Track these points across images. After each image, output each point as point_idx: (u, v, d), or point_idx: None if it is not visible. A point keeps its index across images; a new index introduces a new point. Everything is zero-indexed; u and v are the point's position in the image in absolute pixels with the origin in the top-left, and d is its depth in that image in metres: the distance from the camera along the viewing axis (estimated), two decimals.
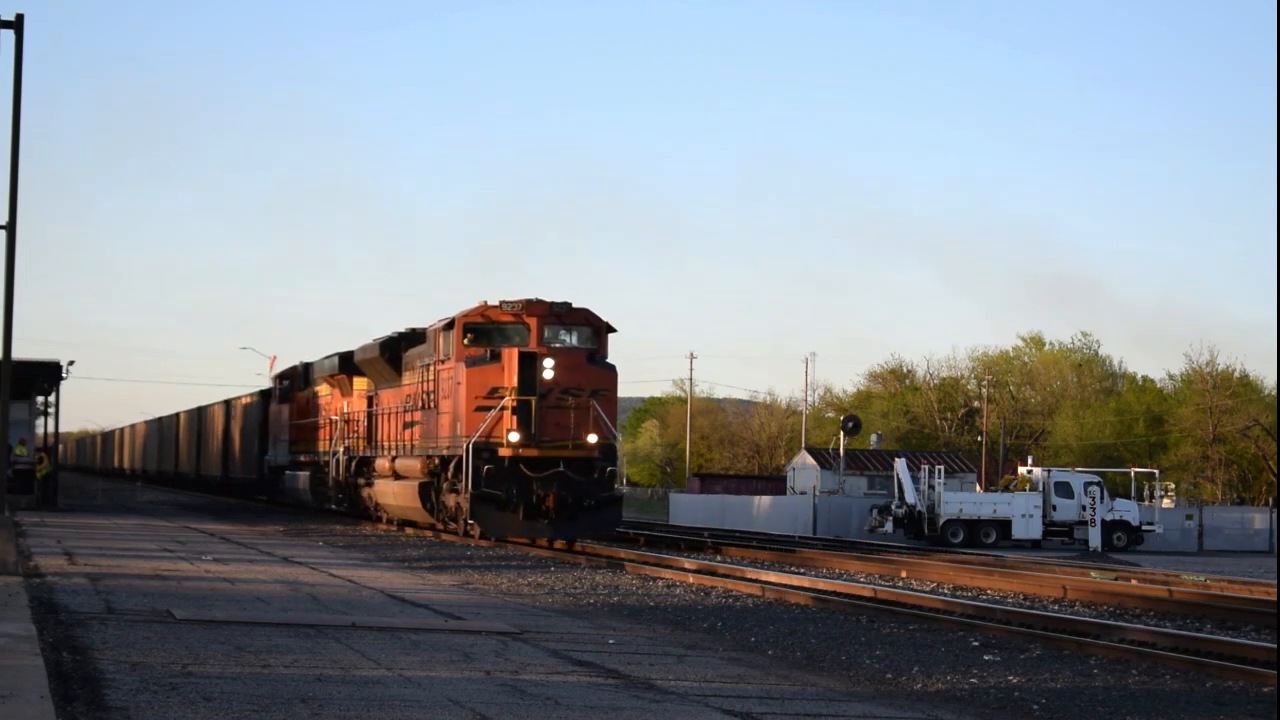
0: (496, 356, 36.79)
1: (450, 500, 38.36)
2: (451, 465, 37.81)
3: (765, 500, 67.49)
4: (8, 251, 28.57)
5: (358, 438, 47.93)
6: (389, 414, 44.34)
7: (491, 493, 36.10)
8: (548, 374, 36.26)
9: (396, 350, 43.74)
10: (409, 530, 43.17)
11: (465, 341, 37.61)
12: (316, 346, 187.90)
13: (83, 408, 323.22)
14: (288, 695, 12.60)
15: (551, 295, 38.84)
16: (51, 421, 58.52)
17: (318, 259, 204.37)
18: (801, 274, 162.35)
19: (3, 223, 28.85)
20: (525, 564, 31.36)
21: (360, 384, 48.19)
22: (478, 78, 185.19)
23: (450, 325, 38.22)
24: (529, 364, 36.35)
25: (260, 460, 64.74)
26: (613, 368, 37.74)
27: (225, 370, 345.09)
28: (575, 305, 38.07)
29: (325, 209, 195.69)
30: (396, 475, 42.95)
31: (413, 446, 41.34)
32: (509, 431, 36.13)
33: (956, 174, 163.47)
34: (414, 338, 42.76)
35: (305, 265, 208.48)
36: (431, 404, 39.55)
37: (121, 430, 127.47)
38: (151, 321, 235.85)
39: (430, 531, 41.20)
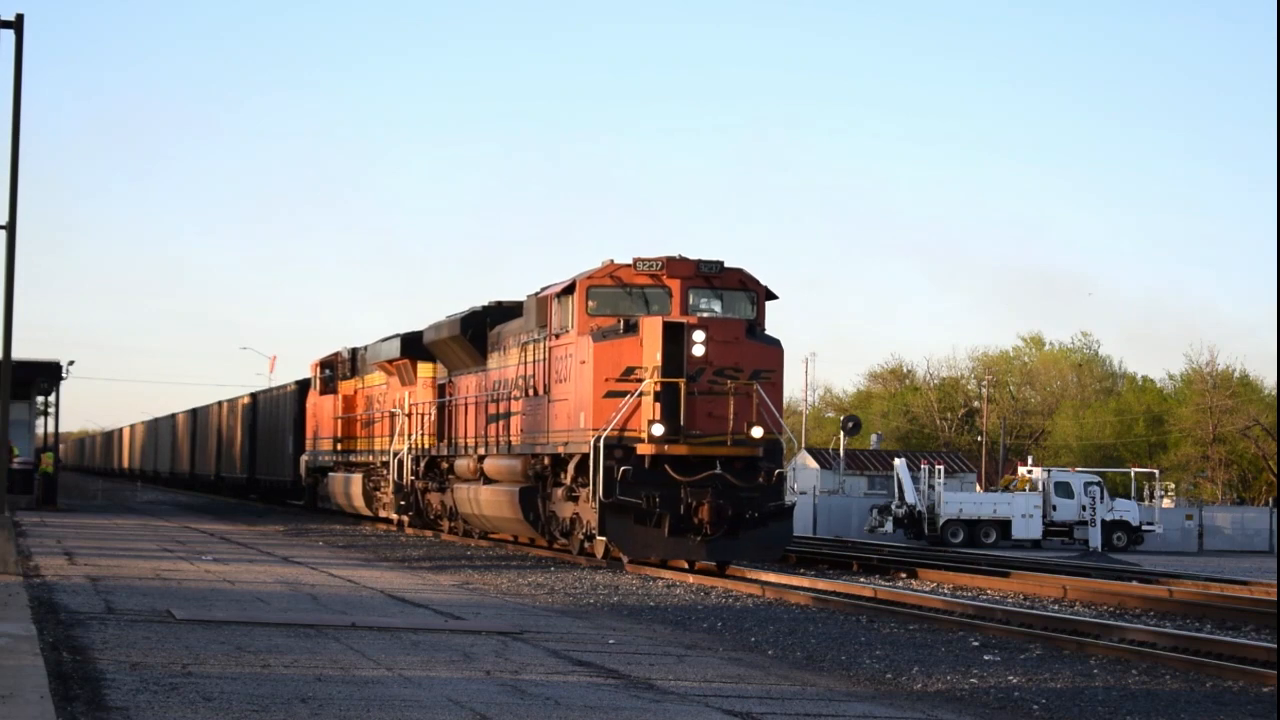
0: (632, 328, 29.44)
1: (565, 510, 31.50)
2: (570, 466, 30.80)
3: None
4: (8, 251, 28.61)
5: (424, 434, 41.58)
6: (470, 404, 37.40)
7: (628, 501, 28.86)
8: (698, 350, 28.94)
9: (480, 327, 36.67)
10: (474, 539, 38.91)
11: (589, 310, 30.44)
12: (317, 346, 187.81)
13: (83, 408, 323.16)
14: (288, 695, 12.61)
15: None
16: (51, 421, 58.65)
17: (317, 259, 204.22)
18: (798, 273, 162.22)
19: (3, 223, 28.89)
20: (525, 564, 31.35)
21: (427, 370, 41.82)
22: (468, 79, 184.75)
23: (569, 290, 30.89)
24: (675, 337, 29.00)
25: (296, 461, 57.91)
26: (777, 343, 30.23)
27: (225, 370, 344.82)
28: (728, 264, 30.68)
29: (322, 209, 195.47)
30: (485, 479, 36.02)
31: (509, 443, 34.21)
32: (651, 423, 28.87)
33: (943, 172, 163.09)
34: (502, 312, 36.36)
35: (305, 265, 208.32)
36: (538, 390, 32.27)
37: (122, 430, 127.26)
38: (151, 321, 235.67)
39: (531, 547, 35.58)
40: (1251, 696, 15.30)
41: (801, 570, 32.96)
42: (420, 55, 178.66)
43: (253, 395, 70.10)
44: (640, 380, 29.13)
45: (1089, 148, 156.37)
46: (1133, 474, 65.25)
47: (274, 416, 63.80)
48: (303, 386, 57.65)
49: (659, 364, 28.98)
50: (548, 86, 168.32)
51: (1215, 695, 15.31)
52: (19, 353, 36.04)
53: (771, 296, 30.92)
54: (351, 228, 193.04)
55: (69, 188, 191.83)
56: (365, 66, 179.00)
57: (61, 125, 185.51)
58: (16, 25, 29.07)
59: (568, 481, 31.04)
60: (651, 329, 29.15)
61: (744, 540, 29.35)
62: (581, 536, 30.97)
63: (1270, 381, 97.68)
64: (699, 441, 29.13)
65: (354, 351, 50.64)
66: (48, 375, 54.23)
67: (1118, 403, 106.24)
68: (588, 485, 29.73)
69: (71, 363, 54.45)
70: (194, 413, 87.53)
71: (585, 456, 29.68)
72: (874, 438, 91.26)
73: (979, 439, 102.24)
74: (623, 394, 29.10)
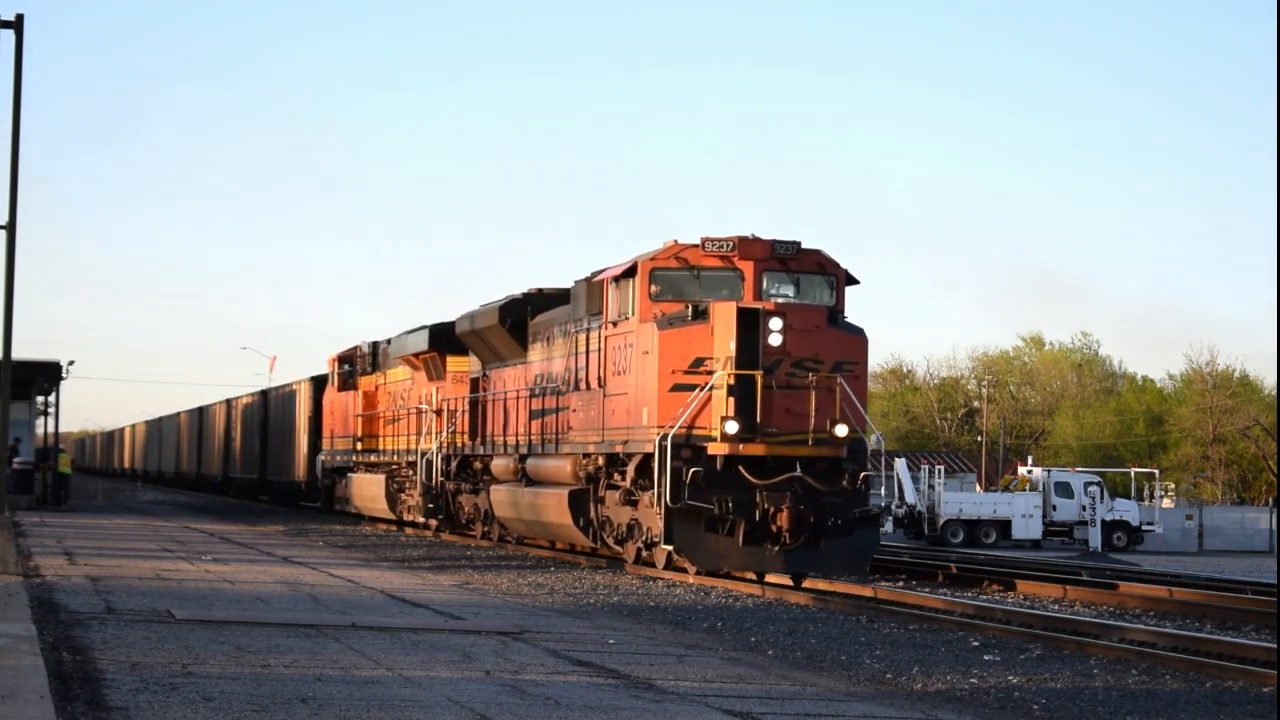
0: (701, 315, 26.66)
1: (621, 516, 28.70)
2: (630, 467, 27.98)
3: None
4: (8, 251, 28.64)
5: (455, 432, 38.77)
6: (509, 399, 34.57)
7: (698, 506, 26.08)
8: (775, 339, 26.16)
9: (521, 316, 33.90)
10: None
11: (652, 294, 27.54)
12: (318, 346, 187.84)
13: (83, 408, 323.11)
14: (288, 695, 12.61)
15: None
16: (51, 421, 58.68)
17: (317, 258, 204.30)
18: None
19: (3, 223, 28.91)
20: (525, 564, 31.36)
21: (457, 364, 39.23)
22: (466, 79, 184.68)
23: (629, 273, 27.95)
24: (750, 325, 26.20)
25: (311, 460, 55.54)
26: (861, 332, 27.48)
27: (226, 370, 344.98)
28: (805, 245, 27.80)
29: (322, 209, 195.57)
30: (528, 480, 33.15)
31: (555, 442, 31.49)
32: (724, 420, 26.06)
33: (943, 172, 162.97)
34: (544, 300, 33.76)
35: (305, 264, 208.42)
36: (590, 383, 29.55)
37: (123, 430, 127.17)
38: (151, 321, 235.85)
39: (577, 555, 32.96)
40: (1251, 696, 15.30)
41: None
42: (418, 48, 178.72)
43: (263, 393, 67.89)
44: (711, 372, 26.37)
45: (1090, 147, 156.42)
46: (1133, 474, 65.36)
47: (286, 414, 61.44)
48: (318, 383, 55.07)
49: (732, 354, 26.22)
50: (541, 84, 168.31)
51: (1215, 695, 15.31)
52: (19, 353, 36.04)
53: (852, 281, 28.14)
54: (351, 228, 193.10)
55: (69, 188, 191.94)
56: (364, 64, 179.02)
57: (61, 125, 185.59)
58: (16, 25, 29.09)
59: (626, 484, 28.19)
60: (724, 316, 26.36)
61: (826, 550, 26.56)
62: (640, 545, 28.28)
63: (1270, 381, 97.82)
64: (777, 441, 26.33)
65: (375, 345, 48.25)
66: (48, 375, 54.28)
67: (1118, 403, 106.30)
68: (650, 489, 27.02)
69: (71, 363, 54.56)
70: (199, 411, 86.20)
71: (648, 457, 26.96)
72: (874, 438, 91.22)
73: (979, 439, 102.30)
74: (691, 387, 26.37)
